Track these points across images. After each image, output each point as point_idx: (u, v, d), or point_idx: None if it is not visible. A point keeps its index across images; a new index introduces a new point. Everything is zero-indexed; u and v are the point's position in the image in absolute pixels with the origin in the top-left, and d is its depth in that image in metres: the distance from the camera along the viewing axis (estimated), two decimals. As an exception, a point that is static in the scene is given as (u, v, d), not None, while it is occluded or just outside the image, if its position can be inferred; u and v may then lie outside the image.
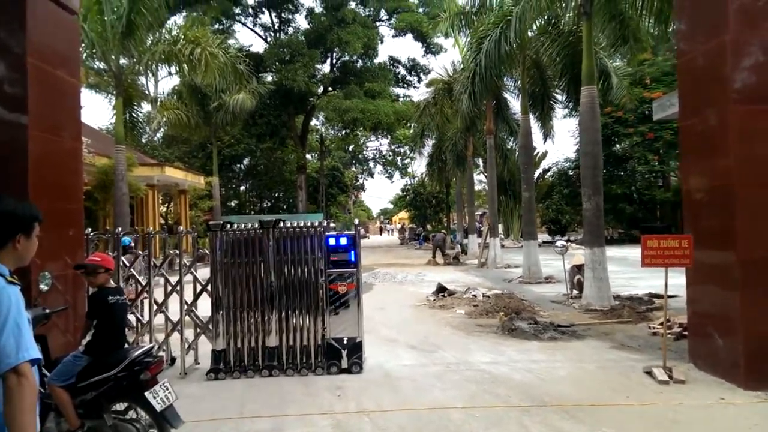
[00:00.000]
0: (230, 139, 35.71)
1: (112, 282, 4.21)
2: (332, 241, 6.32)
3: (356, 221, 6.36)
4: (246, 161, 41.45)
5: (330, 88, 33.40)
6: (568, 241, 24.71)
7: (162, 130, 37.05)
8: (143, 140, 36.34)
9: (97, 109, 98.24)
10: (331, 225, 6.73)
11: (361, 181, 59.95)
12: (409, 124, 34.70)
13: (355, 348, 6.31)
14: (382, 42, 34.51)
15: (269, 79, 29.99)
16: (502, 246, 21.45)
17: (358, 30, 30.08)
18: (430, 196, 40.71)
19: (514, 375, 6.11)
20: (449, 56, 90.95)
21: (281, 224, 6.39)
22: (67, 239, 5.77)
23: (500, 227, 24.88)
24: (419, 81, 35.87)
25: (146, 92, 29.79)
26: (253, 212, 42.76)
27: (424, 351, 7.29)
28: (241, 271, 6.31)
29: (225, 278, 6.29)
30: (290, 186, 41.37)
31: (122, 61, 17.40)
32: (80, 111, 6.48)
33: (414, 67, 35.67)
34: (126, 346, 4.19)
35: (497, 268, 17.99)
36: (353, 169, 55.23)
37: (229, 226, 6.42)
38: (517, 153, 28.21)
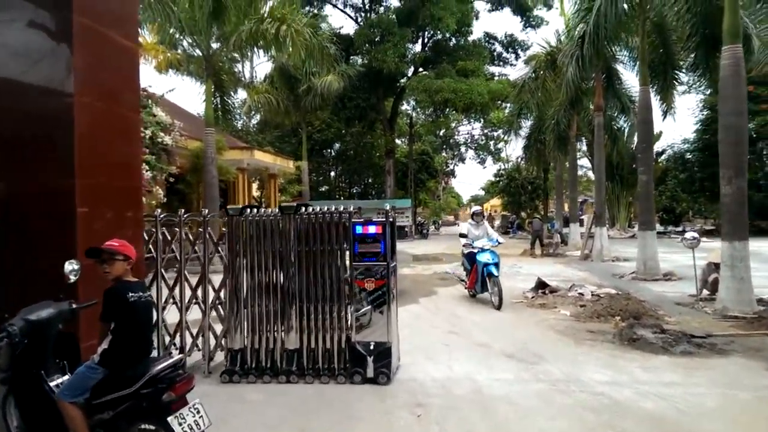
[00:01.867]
0: (320, 124, 35.66)
1: (131, 275, 3.41)
2: (360, 230, 5.37)
3: (386, 205, 5.41)
4: (336, 146, 41.37)
5: (421, 69, 32.16)
6: (682, 231, 22.02)
7: (256, 116, 37.86)
8: (238, 126, 37.22)
9: (190, 94, 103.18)
10: (353, 209, 5.68)
11: (451, 166, 58.43)
12: (504, 105, 32.79)
13: (383, 355, 5.33)
14: (477, 18, 32.76)
15: (359, 62, 29.33)
16: (608, 236, 19.40)
17: (451, 5, 28.46)
18: (525, 181, 38.46)
19: (642, 402, 4.77)
20: (551, 29, 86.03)
21: (303, 210, 5.53)
22: (124, 222, 5.15)
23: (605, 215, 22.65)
24: (517, 58, 33.76)
25: (241, 78, 30.13)
26: (342, 197, 42.69)
27: (524, 362, 6.07)
28: (259, 262, 5.53)
29: (242, 269, 5.54)
30: (379, 171, 40.79)
31: (213, 45, 17.37)
32: (138, 78, 5.84)
33: (511, 44, 33.52)
34: (153, 354, 3.40)
35: (603, 261, 16.12)
36: (443, 154, 53.80)
37: (304, 209, 5.59)
38: (626, 133, 25.77)
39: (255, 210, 5.68)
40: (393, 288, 5.53)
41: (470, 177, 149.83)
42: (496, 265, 9.39)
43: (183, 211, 6.10)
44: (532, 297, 9.98)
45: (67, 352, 3.51)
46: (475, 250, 9.66)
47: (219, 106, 22.08)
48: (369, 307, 5.37)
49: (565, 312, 8.69)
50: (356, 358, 5.34)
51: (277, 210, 5.64)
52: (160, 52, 19.97)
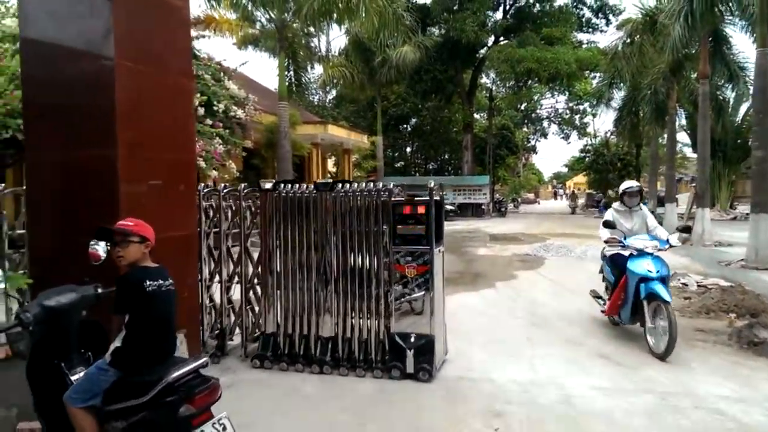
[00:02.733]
0: (396, 99, 34.90)
1: (149, 260, 2.89)
2: (401, 209, 4.76)
3: (431, 183, 4.72)
4: (412, 121, 40.48)
5: (502, 38, 30.45)
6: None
7: (332, 91, 37.66)
8: (314, 101, 37.23)
9: (268, 70, 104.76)
10: (394, 188, 5.03)
11: (532, 142, 55.98)
12: (592, 75, 30.53)
13: (425, 348, 4.73)
14: (564, -20, 30.39)
15: (436, 32, 28.12)
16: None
17: (536, -32, 26.60)
18: (614, 157, 35.88)
19: (781, 430, 3.80)
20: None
21: (339, 187, 4.96)
22: (174, 197, 4.72)
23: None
24: (607, 24, 31.07)
25: (317, 52, 29.83)
26: (417, 173, 41.90)
27: (623, 366, 5.17)
28: (293, 242, 5.06)
29: (276, 249, 5.11)
30: (456, 147, 39.51)
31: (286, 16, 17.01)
32: (189, 40, 5.38)
33: (602, 8, 30.87)
34: (176, 354, 2.88)
35: (705, 245, 14.44)
36: (525, 129, 51.55)
37: (341, 185, 5.04)
38: (731, 105, 23.14)
39: (290, 185, 5.16)
40: (437, 275, 4.87)
41: (552, 153, 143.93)
42: (664, 281, 5.63)
43: (244, 185, 5.63)
44: (627, 286, 8.85)
45: (94, 342, 3.08)
46: (626, 253, 6.08)
47: (293, 79, 21.93)
48: (422, 293, 4.76)
49: (667, 305, 7.57)
50: (395, 350, 4.78)
51: (312, 186, 5.11)
52: (237, 26, 19.96)
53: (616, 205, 6.65)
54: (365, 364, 4.88)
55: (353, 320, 4.95)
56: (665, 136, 20.83)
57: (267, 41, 21.05)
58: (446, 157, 44.69)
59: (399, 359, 4.74)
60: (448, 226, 23.74)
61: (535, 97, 48.83)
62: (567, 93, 45.73)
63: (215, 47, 36.33)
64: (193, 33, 13.99)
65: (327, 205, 4.97)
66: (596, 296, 6.86)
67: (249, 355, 5.31)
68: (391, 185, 5.07)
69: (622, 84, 22.21)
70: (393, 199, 4.84)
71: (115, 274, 2.85)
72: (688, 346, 5.74)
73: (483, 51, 30.51)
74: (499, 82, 42.50)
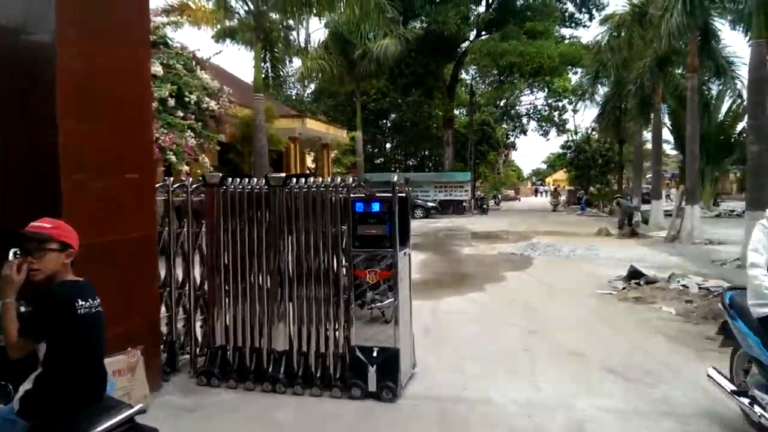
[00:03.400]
0: (375, 93, 34.24)
1: (70, 272, 2.24)
2: (361, 207, 4.23)
3: (394, 177, 4.28)
4: (392, 117, 39.86)
5: (484, 32, 29.93)
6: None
7: (311, 85, 36.80)
8: (293, 95, 36.37)
9: (246, 63, 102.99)
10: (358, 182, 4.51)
11: (512, 139, 55.90)
12: (574, 71, 30.26)
13: (389, 363, 4.17)
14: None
15: (418, 25, 27.49)
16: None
17: (519, -39, 26.14)
18: (596, 153, 35.73)
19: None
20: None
21: (293, 182, 4.42)
22: (128, 190, 4.04)
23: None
24: (590, 19, 30.77)
25: (295, 44, 28.96)
26: (398, 170, 41.30)
27: (635, 381, 4.63)
28: (242, 245, 4.49)
29: (224, 252, 4.53)
30: (437, 143, 38.99)
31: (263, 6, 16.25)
32: (147, 7, 4.69)
33: (585, 3, 30.56)
34: (106, 395, 2.23)
35: (694, 243, 14.13)
36: (504, 125, 51.40)
37: (295, 180, 4.48)
38: (713, 102, 23.01)
39: (237, 180, 4.56)
40: (402, 281, 4.33)
41: (531, 150, 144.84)
42: None
43: (191, 180, 4.95)
44: (623, 288, 8.39)
45: (15, 371, 2.40)
46: None
47: (270, 72, 21.13)
48: (391, 299, 4.20)
49: (669, 309, 7.11)
50: (356, 366, 4.21)
51: (263, 181, 4.53)
52: (212, 16, 19.14)
53: (764, 221, 3.45)
54: (323, 382, 4.30)
55: (309, 331, 4.38)
56: (649, 131, 20.53)
57: (244, 34, 20.25)
58: (426, 153, 44.19)
59: (360, 376, 4.18)
60: (430, 224, 23.31)
61: (515, 94, 48.70)
62: (546, 89, 45.74)
63: (191, 39, 35.38)
64: (165, 19, 13.17)
65: (280, 202, 4.38)
66: (714, 383, 3.85)
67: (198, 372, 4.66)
68: (350, 179, 4.49)
69: (605, 79, 21.92)
70: (352, 195, 4.26)
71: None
72: (700, 357, 5.24)
73: (465, 45, 29.99)
74: (479, 78, 42.21)
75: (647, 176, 25.47)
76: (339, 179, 4.48)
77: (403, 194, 4.43)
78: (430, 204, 28.32)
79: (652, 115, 19.17)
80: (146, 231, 4.25)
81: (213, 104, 14.04)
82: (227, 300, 4.54)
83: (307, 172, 23.93)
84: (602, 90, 23.60)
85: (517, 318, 6.84)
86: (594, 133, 37.40)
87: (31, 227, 2.19)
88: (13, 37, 3.54)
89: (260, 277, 4.48)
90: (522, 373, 4.83)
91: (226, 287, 4.54)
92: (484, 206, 31.98)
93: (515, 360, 5.19)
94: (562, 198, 38.62)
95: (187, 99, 12.53)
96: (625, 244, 14.92)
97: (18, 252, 2.21)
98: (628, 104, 19.16)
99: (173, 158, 11.14)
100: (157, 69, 11.39)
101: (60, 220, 2.32)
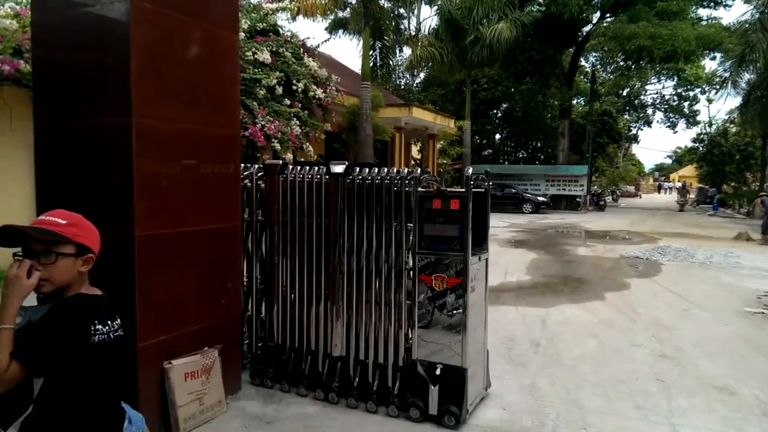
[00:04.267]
0: (486, 82, 33.01)
1: (87, 285, 1.82)
2: (429, 204, 3.61)
3: (469, 170, 3.67)
4: (503, 107, 38.34)
5: (609, 14, 27.55)
6: None
7: (420, 74, 36.31)
8: (401, 84, 36.13)
9: (353, 53, 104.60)
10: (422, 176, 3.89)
11: (634, 130, 52.02)
12: (713, 55, 27.02)
13: (453, 384, 3.58)
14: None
15: (535, 8, 25.90)
16: None
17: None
18: (733, 148, 31.91)
19: None
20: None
21: (357, 172, 3.89)
22: (211, 180, 3.74)
23: None
24: (733, -2, 27.38)
25: (407, 33, 28.57)
26: (507, 162, 39.79)
27: (810, 437, 3.62)
28: (301, 239, 4.12)
29: (281, 245, 4.17)
30: (550, 134, 36.97)
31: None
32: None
33: (727, -22, 27.19)
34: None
35: None
36: (626, 116, 47.94)
37: (359, 170, 3.99)
38: None
39: (298, 168, 4.16)
40: (474, 291, 3.69)
41: (654, 143, 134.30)
42: None
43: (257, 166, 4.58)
44: (780, 308, 7.02)
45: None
46: None
47: (378, 60, 20.91)
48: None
49: None
50: (416, 383, 3.66)
51: (324, 170, 4.06)
52: (327, 7, 19.27)
53: None
54: (379, 396, 3.79)
55: (368, 339, 3.91)
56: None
57: (356, 24, 20.19)
58: (538, 145, 42.19)
59: (420, 395, 3.62)
60: (540, 220, 21.95)
61: (637, 85, 45.05)
62: (676, 78, 41.80)
63: (305, 30, 36.25)
64: (274, 5, 13.22)
65: (341, 194, 3.91)
66: None
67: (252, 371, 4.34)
68: (417, 171, 3.90)
69: (752, 64, 19.18)
70: (420, 189, 3.67)
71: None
72: None
73: (587, 28, 27.83)
74: (599, 66, 39.38)
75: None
76: (406, 170, 3.90)
77: (482, 189, 3.82)
78: (541, 198, 26.80)
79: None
80: (230, 222, 3.93)
81: (320, 92, 13.94)
82: (284, 297, 4.20)
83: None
84: (746, 77, 20.73)
85: (645, 337, 5.86)
86: (732, 125, 33.46)
87: (39, 222, 1.73)
88: (88, 7, 3.29)
89: (318, 275, 4.08)
90: (656, 412, 3.97)
91: (284, 283, 4.19)
92: (601, 203, 29.75)
93: (646, 393, 4.32)
94: (691, 196, 34.98)
95: (294, 87, 12.50)
96: (773, 252, 12.91)
97: (20, 255, 1.70)
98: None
99: (278, 146, 11.11)
100: (265, 56, 11.42)
101: (78, 215, 1.81)
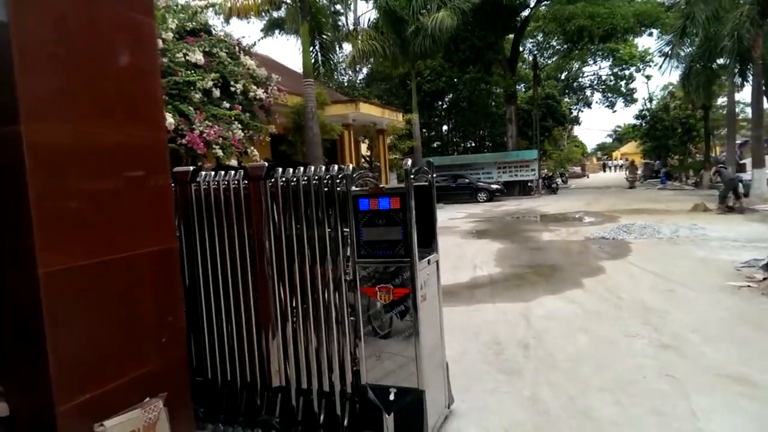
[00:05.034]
0: (430, 74, 32.71)
1: None
2: (366, 205, 3.11)
3: (408, 162, 3.12)
4: (448, 98, 38.19)
5: (545, -3, 27.73)
6: None
7: (362, 70, 35.67)
8: (344, 82, 35.40)
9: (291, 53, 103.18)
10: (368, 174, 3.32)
11: (575, 112, 53.16)
12: (649, 31, 27.48)
13: (411, 409, 3.04)
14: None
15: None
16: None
17: None
18: (675, 122, 32.72)
19: None
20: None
21: (279, 173, 3.30)
22: (128, 194, 2.95)
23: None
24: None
25: (345, 29, 27.85)
26: (456, 153, 39.68)
27: None
28: (221, 254, 3.46)
29: (199, 263, 3.54)
30: (497, 121, 37.06)
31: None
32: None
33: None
34: None
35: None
36: (566, 99, 48.86)
37: (282, 171, 3.41)
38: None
39: (212, 174, 3.50)
40: (426, 301, 3.14)
41: (593, 124, 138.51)
42: None
43: None
44: (764, 278, 6.74)
45: None
46: None
47: (319, 56, 20.14)
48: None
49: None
50: (368, 411, 3.10)
51: (241, 174, 3.44)
52: (259, 8, 18.39)
53: None
54: (327, 429, 3.20)
55: (309, 365, 3.29)
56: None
57: (293, 23, 19.37)
58: (485, 133, 42.34)
59: (374, 425, 3.06)
60: (496, 208, 21.70)
61: (575, 67, 45.94)
62: (612, 58, 42.82)
63: (240, 33, 34.97)
64: (202, 2, 12.27)
65: (263, 200, 3.28)
66: None
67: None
68: (347, 168, 3.25)
69: (692, 37, 19.45)
70: (354, 189, 3.09)
71: None
72: None
73: (525, 12, 27.88)
74: (536, 51, 39.78)
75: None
76: (335, 168, 3.27)
77: (425, 183, 3.28)
78: (494, 186, 26.66)
79: (751, 72, 16.73)
80: (164, 243, 3.13)
81: (261, 92, 13.09)
82: (209, 324, 3.53)
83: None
84: (687, 50, 21.04)
85: (638, 324, 5.40)
86: (673, 99, 34.36)
87: None
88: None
89: (246, 295, 3.42)
90: (678, 417, 3.45)
91: (207, 308, 3.51)
92: (553, 185, 29.95)
93: (659, 393, 3.80)
94: (639, 172, 35.75)
95: (233, 88, 11.61)
96: (731, 221, 12.93)
97: None
98: (722, 60, 16.74)
99: (220, 152, 10.23)
100: (198, 57, 10.51)
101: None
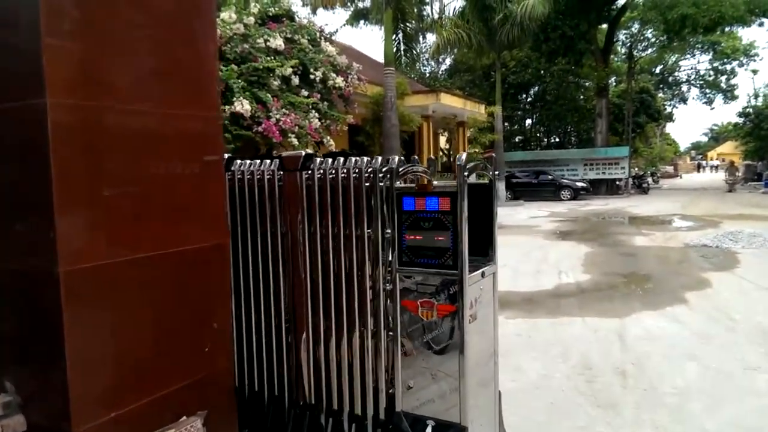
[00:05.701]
0: (516, 65, 31.51)
1: None
2: (411, 205, 2.60)
3: (463, 156, 2.42)
4: (533, 90, 36.71)
5: (646, -17, 25.79)
6: None
7: (445, 61, 34.95)
8: (426, 73, 34.88)
9: (375, 44, 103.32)
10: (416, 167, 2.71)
11: (669, 108, 49.81)
12: (761, 21, 24.94)
13: None
14: None
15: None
16: None
17: None
18: (784, 121, 29.72)
19: None
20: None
21: (317, 163, 2.79)
22: (172, 184, 2.68)
23: None
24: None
25: (429, 19, 27.29)
26: (539, 148, 38.17)
27: None
28: (253, 252, 3.04)
29: (230, 263, 2.99)
30: (584, 116, 35.25)
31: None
32: None
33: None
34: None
35: None
36: (660, 95, 45.84)
37: (320, 161, 2.88)
38: None
39: (247, 163, 3.02)
40: (475, 321, 2.52)
41: (687, 121, 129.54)
42: None
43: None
44: None
45: None
46: None
47: (401, 45, 19.76)
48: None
49: None
50: None
51: (277, 163, 2.97)
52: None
53: None
54: None
55: (341, 384, 2.84)
56: None
57: (377, 12, 19.16)
58: (570, 128, 40.45)
59: None
60: (582, 207, 20.47)
61: (671, 60, 42.90)
62: (712, 52, 39.66)
63: (326, 24, 35.40)
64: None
65: (297, 194, 2.86)
66: None
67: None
68: (393, 160, 2.71)
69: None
70: (398, 185, 2.57)
71: None
72: None
73: (623, 0, 26.09)
74: (630, 43, 37.41)
75: None
76: (380, 159, 2.77)
77: (485, 182, 2.72)
78: (579, 184, 25.27)
79: None
80: (213, 239, 2.83)
81: (340, 81, 12.88)
82: (238, 330, 3.18)
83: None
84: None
85: (758, 354, 4.62)
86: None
87: None
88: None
89: (277, 301, 3.04)
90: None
91: (236, 312, 3.15)
92: (644, 185, 28.04)
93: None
94: (740, 174, 32.81)
95: (312, 76, 11.45)
96: None
97: None
98: None
99: (295, 141, 10.09)
100: (278, 43, 10.39)
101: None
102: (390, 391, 2.75)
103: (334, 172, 2.84)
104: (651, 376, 4.23)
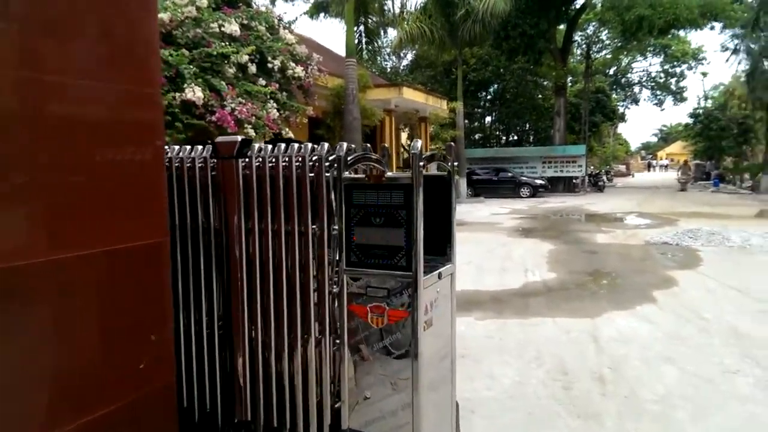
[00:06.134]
0: (476, 63, 31.56)
1: None
2: (362, 198, 2.22)
3: (418, 144, 2.15)
4: (493, 88, 36.93)
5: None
6: None
7: (407, 56, 34.74)
8: (387, 67, 34.59)
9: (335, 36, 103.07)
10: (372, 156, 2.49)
11: (621, 109, 51.28)
12: (712, 24, 25.67)
13: None
14: None
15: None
16: None
17: None
18: (731, 122, 30.78)
19: None
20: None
21: (255, 151, 2.52)
22: (105, 178, 2.25)
23: None
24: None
25: (390, 14, 26.96)
26: (498, 145, 38.47)
27: None
28: (182, 253, 2.75)
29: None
30: (543, 114, 35.71)
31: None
32: None
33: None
34: None
35: None
36: (614, 95, 47.08)
37: (258, 148, 2.68)
38: None
39: (174, 149, 2.75)
40: (429, 330, 2.23)
41: (637, 122, 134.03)
42: None
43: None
44: None
45: None
46: None
47: (363, 36, 19.40)
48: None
49: None
50: None
51: (210, 149, 2.67)
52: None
53: None
54: None
55: (282, 399, 2.53)
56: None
57: (338, 5, 18.69)
58: (528, 126, 40.97)
59: None
60: (541, 204, 20.58)
61: (626, 61, 44.08)
62: (663, 54, 40.98)
63: (285, 18, 34.48)
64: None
65: (233, 184, 2.53)
66: None
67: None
68: (343, 147, 2.40)
69: (762, 31, 17.87)
70: (346, 175, 2.27)
71: None
72: None
73: (582, 0, 26.42)
74: (588, 42, 38.13)
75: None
76: (326, 146, 2.44)
77: (443, 174, 2.42)
78: (538, 181, 25.49)
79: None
80: (151, 236, 2.41)
81: (300, 71, 12.38)
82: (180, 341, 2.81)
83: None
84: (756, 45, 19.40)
85: (736, 356, 4.48)
86: (732, 98, 32.40)
87: None
88: None
89: (209, 303, 2.72)
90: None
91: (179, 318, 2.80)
92: (600, 183, 28.57)
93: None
94: (692, 173, 33.89)
95: (270, 65, 10.92)
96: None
97: None
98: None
99: (252, 132, 9.56)
100: (234, 29, 9.83)
101: None
102: (336, 405, 2.40)
103: (274, 160, 2.47)
104: (630, 381, 4.01)
